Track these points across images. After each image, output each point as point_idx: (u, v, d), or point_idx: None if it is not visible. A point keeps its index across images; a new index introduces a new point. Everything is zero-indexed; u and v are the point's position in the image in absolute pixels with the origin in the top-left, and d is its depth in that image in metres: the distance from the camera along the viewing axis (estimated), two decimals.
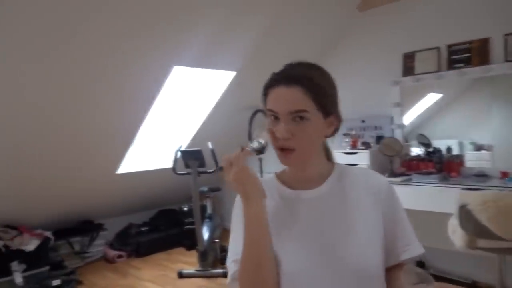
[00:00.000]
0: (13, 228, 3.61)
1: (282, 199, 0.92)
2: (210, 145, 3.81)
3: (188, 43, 2.99)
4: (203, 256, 3.66)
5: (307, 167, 0.92)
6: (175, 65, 3.14)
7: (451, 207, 2.37)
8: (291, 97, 0.82)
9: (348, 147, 3.47)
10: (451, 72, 3.13)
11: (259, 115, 4.20)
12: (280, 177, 0.98)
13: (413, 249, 0.89)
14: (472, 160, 3.21)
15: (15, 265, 3.33)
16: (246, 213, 0.84)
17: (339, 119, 0.90)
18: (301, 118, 0.83)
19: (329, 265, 0.82)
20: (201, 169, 3.77)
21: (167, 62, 3.08)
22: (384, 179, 0.97)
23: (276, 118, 0.85)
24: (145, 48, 2.81)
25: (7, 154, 3.02)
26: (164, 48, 2.92)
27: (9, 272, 3.29)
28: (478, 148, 3.24)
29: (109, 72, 2.85)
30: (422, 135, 3.52)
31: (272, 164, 0.95)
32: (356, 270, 0.82)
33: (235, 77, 3.66)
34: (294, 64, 0.89)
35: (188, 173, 3.78)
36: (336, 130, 0.92)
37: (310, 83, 0.83)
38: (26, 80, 2.57)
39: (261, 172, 4.17)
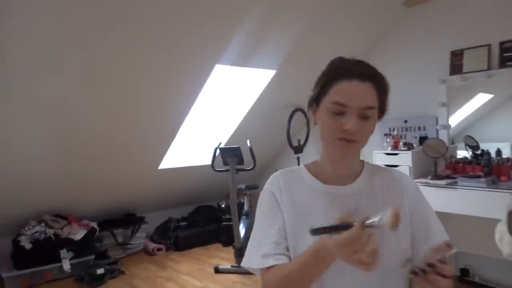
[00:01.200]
0: (63, 218, 3.84)
1: (313, 192, 0.92)
2: (248, 142, 3.85)
3: (230, 42, 3.03)
4: (239, 253, 3.70)
5: (346, 163, 0.92)
6: (217, 64, 3.20)
7: (499, 213, 2.24)
8: (364, 93, 0.83)
9: (389, 148, 3.37)
10: (503, 70, 2.95)
11: (298, 114, 4.18)
12: (310, 169, 0.97)
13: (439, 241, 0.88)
14: None
15: (63, 253, 3.54)
16: (328, 253, 0.74)
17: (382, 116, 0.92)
18: (367, 117, 0.84)
19: None
20: (239, 167, 3.82)
21: (209, 61, 3.14)
22: (411, 180, 0.98)
23: (340, 113, 0.83)
24: (188, 48, 2.89)
25: (59, 152, 3.23)
26: (206, 48, 2.98)
27: (58, 259, 3.51)
28: None
29: (153, 72, 2.95)
30: (469, 137, 3.36)
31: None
32: (385, 268, 0.82)
33: (275, 76, 3.67)
34: (363, 61, 0.87)
35: (226, 170, 3.84)
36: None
37: (381, 82, 0.86)
38: (75, 82, 2.73)
39: None
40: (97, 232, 3.93)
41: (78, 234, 3.72)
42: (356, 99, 0.82)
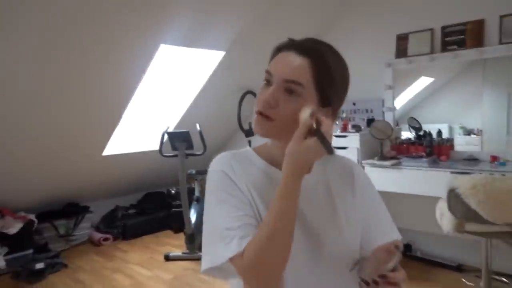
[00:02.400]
0: None
1: (266, 178, 0.83)
2: (198, 126, 3.74)
3: (176, 21, 2.88)
4: (190, 239, 3.62)
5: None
6: (162, 43, 3.03)
7: (440, 191, 2.35)
8: (294, 65, 0.75)
9: (338, 130, 3.42)
10: (444, 54, 3.07)
11: (249, 97, 4.12)
12: (261, 153, 0.88)
13: (389, 238, 0.85)
14: (462, 144, 3.20)
15: None
16: (296, 176, 0.70)
17: (334, 117, 0.82)
18: (293, 91, 0.75)
19: (312, 252, 0.79)
20: (189, 151, 3.70)
21: (154, 40, 2.96)
22: (361, 169, 0.95)
23: (268, 83, 0.78)
24: (131, 26, 2.70)
25: None
26: (150, 26, 2.80)
27: None
28: (468, 132, 3.24)
29: (94, 50, 2.73)
30: (413, 119, 3.49)
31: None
32: (338, 257, 0.81)
33: (224, 57, 3.56)
34: (315, 39, 0.81)
35: (175, 155, 3.71)
36: None
37: (320, 60, 0.76)
38: (13, 63, 2.48)
39: None
40: (35, 225, 3.66)
41: (14, 228, 3.43)
42: (282, 68, 0.76)
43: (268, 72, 0.79)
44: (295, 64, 0.75)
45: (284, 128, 0.76)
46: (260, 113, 0.77)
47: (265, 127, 0.78)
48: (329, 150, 0.67)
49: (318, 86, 0.76)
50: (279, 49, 0.81)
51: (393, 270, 0.67)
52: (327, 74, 0.77)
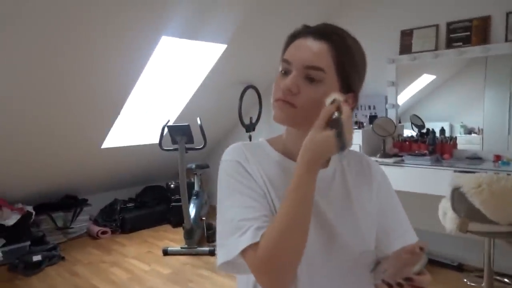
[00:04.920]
0: None
1: (283, 171, 0.79)
2: (198, 120, 3.70)
3: (177, 12, 2.83)
4: (189, 234, 3.59)
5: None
6: (163, 35, 2.98)
7: (443, 190, 2.32)
8: (313, 50, 0.72)
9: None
10: (449, 51, 3.03)
11: (250, 92, 4.07)
12: (275, 145, 0.84)
13: (407, 239, 0.82)
14: (462, 143, 3.16)
15: None
16: (312, 167, 0.68)
17: (355, 102, 0.78)
18: (313, 79, 0.72)
19: (326, 244, 0.76)
20: (189, 145, 3.67)
21: (155, 32, 2.92)
22: (379, 167, 0.91)
23: (286, 73, 0.74)
24: (132, 17, 2.65)
25: None
26: (151, 17, 2.75)
27: None
28: (469, 131, 3.20)
29: (95, 42, 2.69)
30: (415, 116, 3.46)
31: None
32: (352, 250, 0.78)
33: (226, 51, 3.51)
34: (330, 24, 0.78)
35: (175, 149, 3.67)
36: None
37: (341, 43, 0.73)
38: (14, 56, 2.44)
39: None
40: (33, 216, 3.63)
41: (11, 220, 3.41)
42: (301, 55, 0.73)
43: (285, 60, 0.75)
44: (315, 49, 0.72)
45: (306, 116, 0.73)
46: (281, 100, 0.74)
47: (288, 113, 0.74)
48: (342, 145, 0.63)
49: (340, 70, 0.73)
50: (294, 36, 0.77)
51: (419, 273, 0.63)
52: (348, 57, 0.74)
